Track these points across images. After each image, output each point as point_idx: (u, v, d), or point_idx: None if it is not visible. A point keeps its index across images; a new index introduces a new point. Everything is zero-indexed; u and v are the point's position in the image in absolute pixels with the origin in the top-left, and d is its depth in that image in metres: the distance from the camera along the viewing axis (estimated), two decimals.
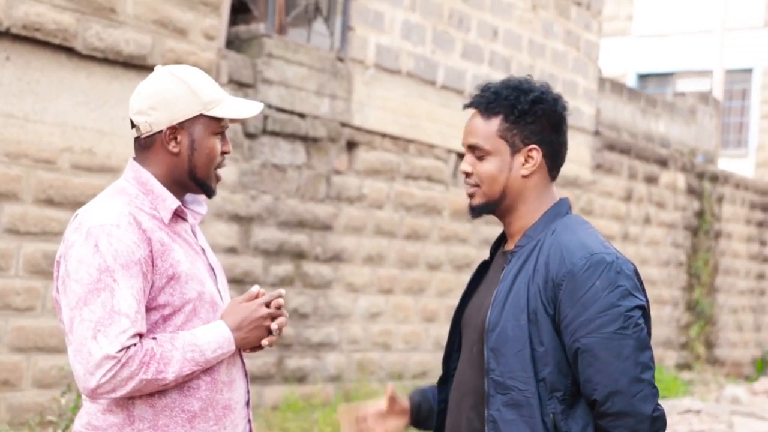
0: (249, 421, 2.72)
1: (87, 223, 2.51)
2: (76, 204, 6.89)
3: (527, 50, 11.60)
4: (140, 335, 2.46)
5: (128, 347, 2.42)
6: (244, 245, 8.43)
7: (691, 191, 15.12)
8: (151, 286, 2.52)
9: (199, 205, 2.77)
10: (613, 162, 13.25)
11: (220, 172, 2.72)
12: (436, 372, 3.30)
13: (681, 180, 14.86)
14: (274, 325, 2.62)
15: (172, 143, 2.62)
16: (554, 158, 2.66)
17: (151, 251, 2.51)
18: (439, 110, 10.18)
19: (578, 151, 12.46)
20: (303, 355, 8.93)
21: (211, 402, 2.58)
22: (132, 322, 2.43)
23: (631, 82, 22.05)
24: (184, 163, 2.63)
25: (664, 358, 14.31)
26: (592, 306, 2.44)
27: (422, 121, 10.14)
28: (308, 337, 8.95)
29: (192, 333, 2.53)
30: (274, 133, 8.63)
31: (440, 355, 3.17)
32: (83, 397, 2.57)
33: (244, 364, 2.71)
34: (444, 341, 4.27)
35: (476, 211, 2.67)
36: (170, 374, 2.47)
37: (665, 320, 14.41)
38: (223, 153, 2.69)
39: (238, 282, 8.21)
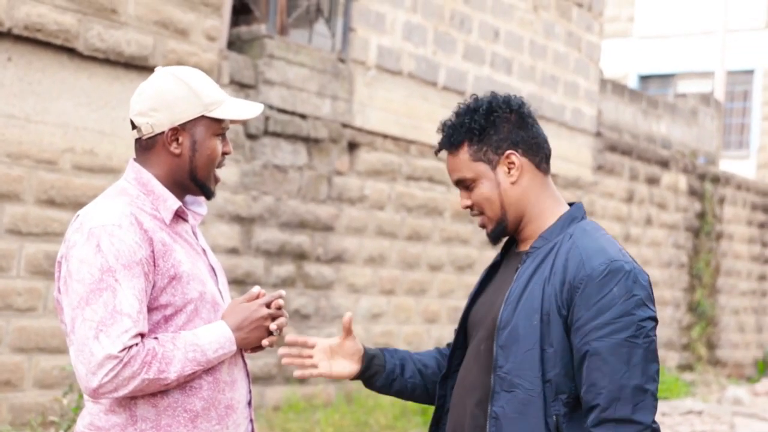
0: (251, 420, 2.73)
1: (89, 223, 2.52)
2: (77, 204, 6.89)
3: (528, 51, 11.60)
4: (142, 335, 2.47)
5: (130, 347, 2.42)
6: (246, 246, 8.43)
7: (693, 192, 15.12)
8: (153, 287, 2.52)
9: (199, 206, 2.77)
10: (614, 163, 13.25)
11: (219, 174, 2.73)
12: None
13: (682, 181, 14.85)
14: (273, 326, 2.63)
15: (174, 144, 2.63)
16: (534, 152, 2.68)
17: (153, 251, 2.52)
18: (440, 111, 10.18)
19: (579, 152, 12.46)
20: None
21: (214, 402, 2.58)
22: (134, 322, 2.44)
23: (633, 83, 22.05)
24: (185, 164, 2.64)
25: (666, 359, 14.31)
26: (608, 311, 2.45)
27: (424, 122, 10.14)
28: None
29: (193, 333, 2.54)
30: (276, 134, 8.63)
31: None
32: (85, 397, 2.58)
33: (245, 364, 2.71)
34: (445, 342, 4.28)
35: (494, 237, 2.71)
36: (172, 374, 2.47)
37: (667, 321, 14.41)
38: (224, 154, 2.70)
39: (240, 283, 8.21)
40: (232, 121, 2.71)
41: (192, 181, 2.66)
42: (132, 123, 2.66)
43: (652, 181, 14.15)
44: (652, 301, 2.53)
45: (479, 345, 2.66)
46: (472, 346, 2.71)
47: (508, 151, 2.65)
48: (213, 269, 2.72)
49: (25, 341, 6.85)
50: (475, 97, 2.71)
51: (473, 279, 10.33)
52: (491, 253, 10.32)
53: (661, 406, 11.36)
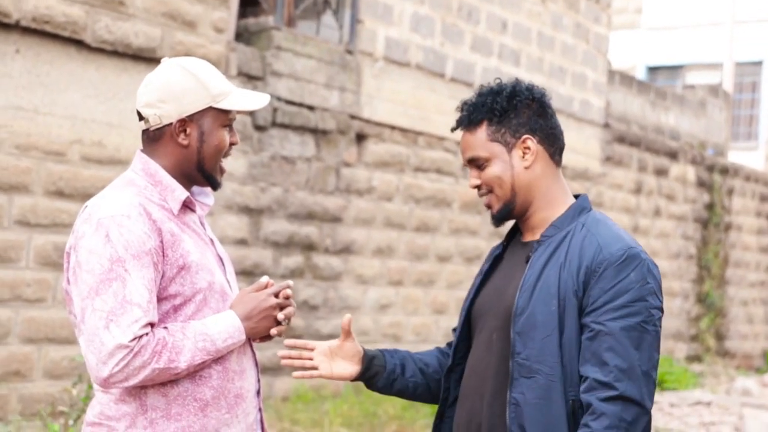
0: (260, 410, 2.74)
1: (97, 213, 2.52)
2: (85, 196, 6.91)
3: (536, 43, 11.58)
4: (152, 325, 2.48)
5: (140, 336, 2.43)
6: (254, 237, 8.45)
7: (701, 184, 15.10)
8: (162, 277, 2.53)
9: (206, 196, 2.78)
10: (622, 154, 13.23)
11: (226, 165, 2.73)
12: None
13: (691, 172, 14.83)
14: (281, 315, 2.64)
15: (182, 136, 2.63)
16: (550, 142, 2.72)
17: (162, 242, 2.53)
18: (448, 102, 10.17)
19: (588, 143, 12.45)
20: None
21: (223, 391, 2.59)
22: (144, 312, 2.45)
23: (641, 74, 22.00)
24: (193, 155, 2.65)
25: (675, 350, 14.31)
26: (625, 294, 2.50)
27: (431, 114, 10.14)
28: (318, 328, 8.97)
29: (203, 323, 2.55)
30: (284, 126, 8.64)
31: None
32: (95, 387, 2.58)
33: (254, 354, 2.72)
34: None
35: (498, 218, 2.72)
36: (182, 363, 2.48)
37: (675, 312, 14.40)
38: (231, 144, 2.71)
39: (248, 274, 8.23)
40: (239, 112, 2.72)
41: (199, 171, 2.66)
42: (139, 114, 2.66)
43: (661, 172, 14.13)
44: (661, 291, 2.58)
45: (491, 334, 2.67)
46: (481, 336, 2.72)
47: (525, 136, 2.68)
48: (221, 259, 2.73)
49: (35, 332, 6.88)
50: (499, 81, 2.75)
51: None
52: None
53: (670, 396, 11.35)
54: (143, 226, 2.50)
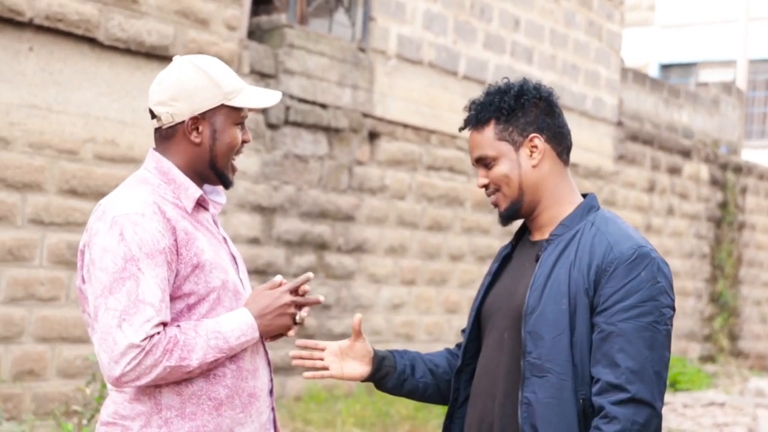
0: (273, 409, 2.74)
1: (111, 211, 2.52)
2: (99, 194, 6.92)
3: (549, 40, 11.56)
4: (164, 324, 2.47)
5: (152, 336, 2.43)
6: (267, 236, 8.44)
7: (715, 182, 15.04)
8: (176, 275, 2.52)
9: (218, 195, 2.78)
10: (635, 153, 13.20)
11: (238, 164, 2.73)
12: None
13: (704, 171, 14.78)
14: (299, 317, 2.65)
15: (194, 133, 2.63)
16: (558, 140, 2.71)
17: (176, 240, 2.52)
18: (460, 100, 10.14)
19: (600, 141, 12.42)
20: None
21: (237, 390, 2.59)
22: (156, 311, 2.44)
23: (654, 72, 21.95)
24: (206, 153, 2.64)
25: (688, 350, 14.26)
26: (635, 294, 2.49)
27: (444, 112, 10.13)
28: (331, 327, 8.96)
29: (215, 320, 2.54)
30: (296, 124, 8.64)
31: None
32: (109, 386, 2.58)
33: (266, 353, 2.72)
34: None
35: (505, 217, 2.72)
36: (194, 361, 2.47)
37: (689, 312, 14.35)
38: (243, 142, 2.70)
39: (261, 273, 8.23)
40: (251, 110, 2.71)
41: (212, 170, 2.66)
42: (151, 112, 2.66)
43: (674, 170, 14.08)
44: (672, 290, 2.58)
45: (502, 333, 2.67)
46: (491, 336, 2.72)
47: (533, 135, 2.68)
48: (234, 258, 2.73)
49: (48, 331, 6.89)
50: (507, 80, 2.75)
51: None
52: None
53: (683, 397, 11.31)
54: (157, 225, 2.50)
